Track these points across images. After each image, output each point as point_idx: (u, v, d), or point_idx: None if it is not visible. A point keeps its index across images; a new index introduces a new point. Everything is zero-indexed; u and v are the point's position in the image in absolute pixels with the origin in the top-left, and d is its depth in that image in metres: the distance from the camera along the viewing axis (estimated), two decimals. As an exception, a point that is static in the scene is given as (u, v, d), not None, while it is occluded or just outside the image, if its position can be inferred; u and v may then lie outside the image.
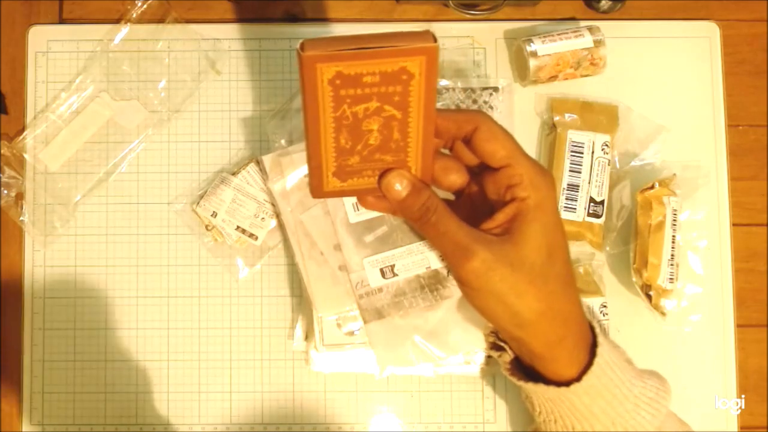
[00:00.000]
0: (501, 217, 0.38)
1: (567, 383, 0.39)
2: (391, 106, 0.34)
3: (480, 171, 0.40)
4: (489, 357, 0.52)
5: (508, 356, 0.43)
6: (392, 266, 0.50)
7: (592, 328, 0.41)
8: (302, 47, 0.32)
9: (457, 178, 0.40)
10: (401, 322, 0.50)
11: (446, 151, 0.40)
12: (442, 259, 0.49)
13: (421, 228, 0.38)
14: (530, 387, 0.41)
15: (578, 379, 0.39)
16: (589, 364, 0.39)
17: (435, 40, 0.32)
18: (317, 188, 0.38)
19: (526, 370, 0.42)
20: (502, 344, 0.44)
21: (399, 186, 0.38)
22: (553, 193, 0.38)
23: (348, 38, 0.32)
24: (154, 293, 0.54)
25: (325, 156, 0.36)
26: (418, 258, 0.49)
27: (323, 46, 0.31)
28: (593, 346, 0.40)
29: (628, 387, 0.40)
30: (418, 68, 0.32)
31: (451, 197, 0.42)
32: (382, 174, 0.37)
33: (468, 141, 0.38)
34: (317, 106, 0.33)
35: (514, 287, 0.37)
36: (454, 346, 0.50)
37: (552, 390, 0.40)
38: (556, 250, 0.38)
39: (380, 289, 0.50)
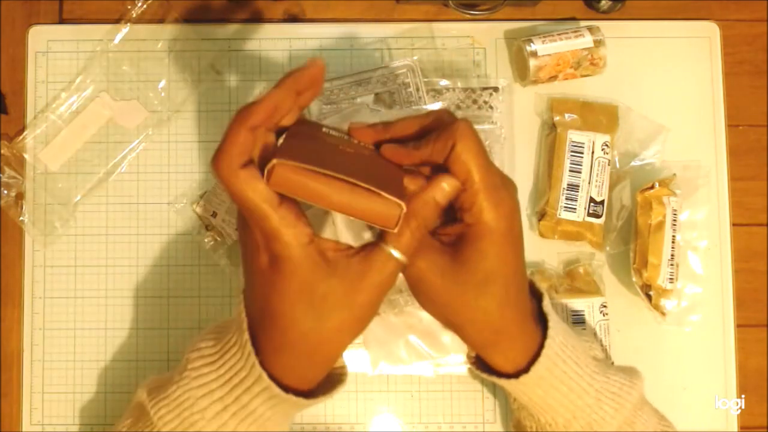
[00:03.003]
0: (450, 231, 0.39)
1: (516, 374, 0.40)
2: None
3: None
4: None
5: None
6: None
7: (546, 322, 0.41)
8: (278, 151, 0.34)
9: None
10: (396, 320, 0.50)
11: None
12: None
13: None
14: (486, 378, 0.42)
15: (526, 370, 0.39)
16: (537, 355, 0.40)
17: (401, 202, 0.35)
18: None
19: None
20: None
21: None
22: (508, 222, 0.38)
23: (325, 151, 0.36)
24: (154, 293, 0.54)
25: None
26: (418, 258, 0.50)
27: (297, 155, 0.34)
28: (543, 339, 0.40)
29: (587, 381, 0.40)
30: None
31: None
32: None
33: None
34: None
35: (441, 296, 0.38)
36: (447, 347, 0.51)
37: (503, 381, 0.41)
38: (495, 275, 0.38)
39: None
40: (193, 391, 0.37)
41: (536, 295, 0.43)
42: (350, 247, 0.37)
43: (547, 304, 0.41)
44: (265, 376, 0.35)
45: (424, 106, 0.53)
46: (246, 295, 0.38)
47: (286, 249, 0.35)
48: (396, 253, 0.36)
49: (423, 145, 0.37)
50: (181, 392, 0.37)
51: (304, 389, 0.37)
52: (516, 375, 0.40)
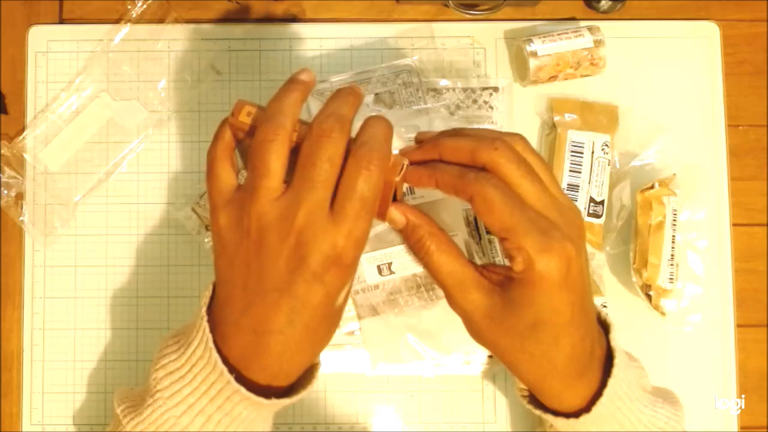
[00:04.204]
0: (499, 270, 0.38)
1: (576, 414, 0.38)
2: None
3: None
4: (490, 356, 0.52)
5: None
6: (389, 264, 0.50)
7: (612, 356, 0.39)
8: None
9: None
10: (395, 319, 0.50)
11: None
12: None
13: (416, 258, 0.39)
14: (539, 414, 0.40)
15: (587, 410, 0.38)
16: (597, 395, 0.38)
17: (401, 170, 0.36)
18: None
19: None
20: None
21: (397, 218, 0.39)
22: (560, 267, 0.35)
23: None
24: (154, 293, 0.54)
25: None
26: (417, 257, 0.50)
27: None
28: (605, 375, 0.39)
29: (637, 416, 0.39)
30: None
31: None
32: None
33: None
34: None
35: (486, 335, 0.38)
36: (447, 347, 0.51)
37: (561, 421, 0.39)
38: (544, 324, 0.36)
39: (376, 286, 0.50)
40: (172, 410, 0.36)
41: (604, 326, 0.40)
42: None
43: (614, 339, 0.39)
44: (243, 390, 0.35)
45: (424, 106, 0.53)
46: (216, 302, 0.37)
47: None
48: None
49: (447, 180, 0.37)
50: (158, 414, 0.36)
51: (285, 385, 0.37)
52: (576, 414, 0.38)
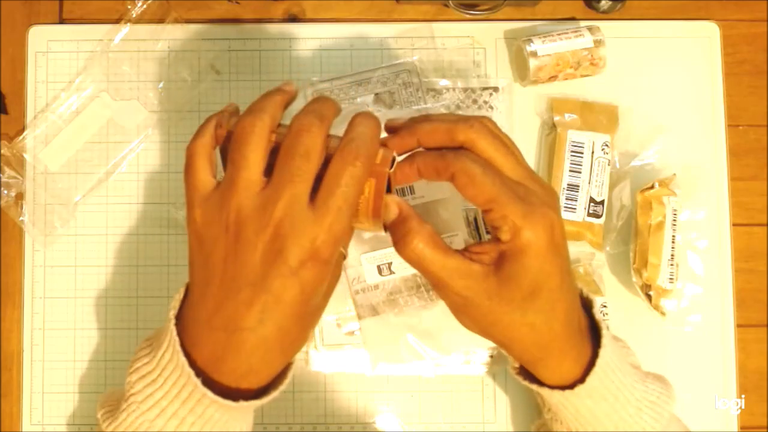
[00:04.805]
0: (487, 249, 0.38)
1: (571, 386, 0.39)
2: None
3: None
4: (491, 356, 0.52)
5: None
6: (389, 264, 0.50)
7: (598, 329, 0.40)
8: None
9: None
10: (395, 319, 0.50)
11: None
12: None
13: (399, 254, 0.38)
14: (535, 389, 0.41)
15: (582, 380, 0.39)
16: (590, 366, 0.39)
17: (392, 163, 0.36)
18: None
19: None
20: None
21: (389, 209, 0.38)
22: (546, 231, 0.36)
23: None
24: (153, 293, 0.54)
25: None
26: (418, 258, 0.50)
27: None
28: (594, 348, 0.40)
29: (630, 390, 0.40)
30: (368, 186, 0.36)
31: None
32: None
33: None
34: None
35: (486, 317, 0.38)
36: (447, 347, 0.51)
37: (557, 394, 0.39)
38: (540, 290, 0.37)
39: (376, 286, 0.50)
40: (145, 414, 0.36)
41: (584, 304, 0.42)
42: None
43: (597, 312, 0.40)
44: (210, 394, 0.34)
45: (424, 106, 0.53)
46: (189, 302, 0.37)
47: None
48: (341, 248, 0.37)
49: (427, 162, 0.38)
50: (133, 418, 0.36)
51: (256, 387, 0.36)
52: (571, 386, 0.39)
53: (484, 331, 0.39)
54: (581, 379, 0.39)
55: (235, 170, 0.34)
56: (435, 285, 0.39)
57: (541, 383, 0.40)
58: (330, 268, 0.35)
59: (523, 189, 0.37)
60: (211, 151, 0.37)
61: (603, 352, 0.39)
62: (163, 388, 0.35)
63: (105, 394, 0.41)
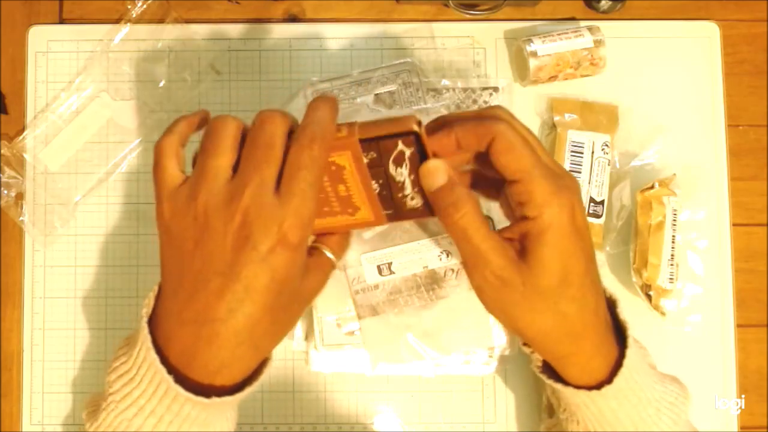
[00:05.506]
0: (515, 231, 0.38)
1: (597, 386, 0.38)
2: (339, 183, 0.38)
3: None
4: (491, 356, 0.52)
5: (538, 356, 0.43)
6: (389, 264, 0.50)
7: (623, 330, 0.40)
8: None
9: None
10: (395, 319, 0.50)
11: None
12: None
13: (444, 223, 0.38)
14: (560, 388, 0.40)
15: (609, 381, 0.38)
16: (617, 366, 0.38)
17: (420, 124, 0.36)
18: None
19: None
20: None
21: (437, 175, 0.37)
22: (570, 212, 0.36)
23: None
24: (154, 293, 0.54)
25: None
26: (416, 257, 0.49)
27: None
28: (622, 347, 0.39)
29: (650, 391, 0.39)
30: (347, 161, 0.36)
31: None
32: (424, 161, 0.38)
33: (486, 153, 0.37)
34: None
35: (519, 305, 0.37)
36: (447, 347, 0.50)
37: (582, 394, 0.39)
38: (570, 274, 0.37)
39: (376, 286, 0.50)
40: (124, 413, 0.36)
41: (608, 304, 0.41)
42: None
43: (621, 311, 0.40)
44: (182, 391, 0.34)
45: (424, 106, 0.53)
46: (161, 299, 0.36)
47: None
48: (328, 254, 0.38)
49: (467, 126, 0.37)
50: (112, 418, 0.36)
51: (230, 383, 0.36)
52: (598, 386, 0.38)
53: (513, 321, 0.39)
54: (608, 380, 0.38)
55: (206, 159, 0.35)
56: (473, 262, 0.38)
57: (565, 383, 0.40)
58: (301, 254, 0.35)
59: (554, 169, 0.37)
60: (179, 148, 0.38)
61: (629, 352, 0.38)
62: (140, 386, 0.35)
63: (91, 394, 0.41)
